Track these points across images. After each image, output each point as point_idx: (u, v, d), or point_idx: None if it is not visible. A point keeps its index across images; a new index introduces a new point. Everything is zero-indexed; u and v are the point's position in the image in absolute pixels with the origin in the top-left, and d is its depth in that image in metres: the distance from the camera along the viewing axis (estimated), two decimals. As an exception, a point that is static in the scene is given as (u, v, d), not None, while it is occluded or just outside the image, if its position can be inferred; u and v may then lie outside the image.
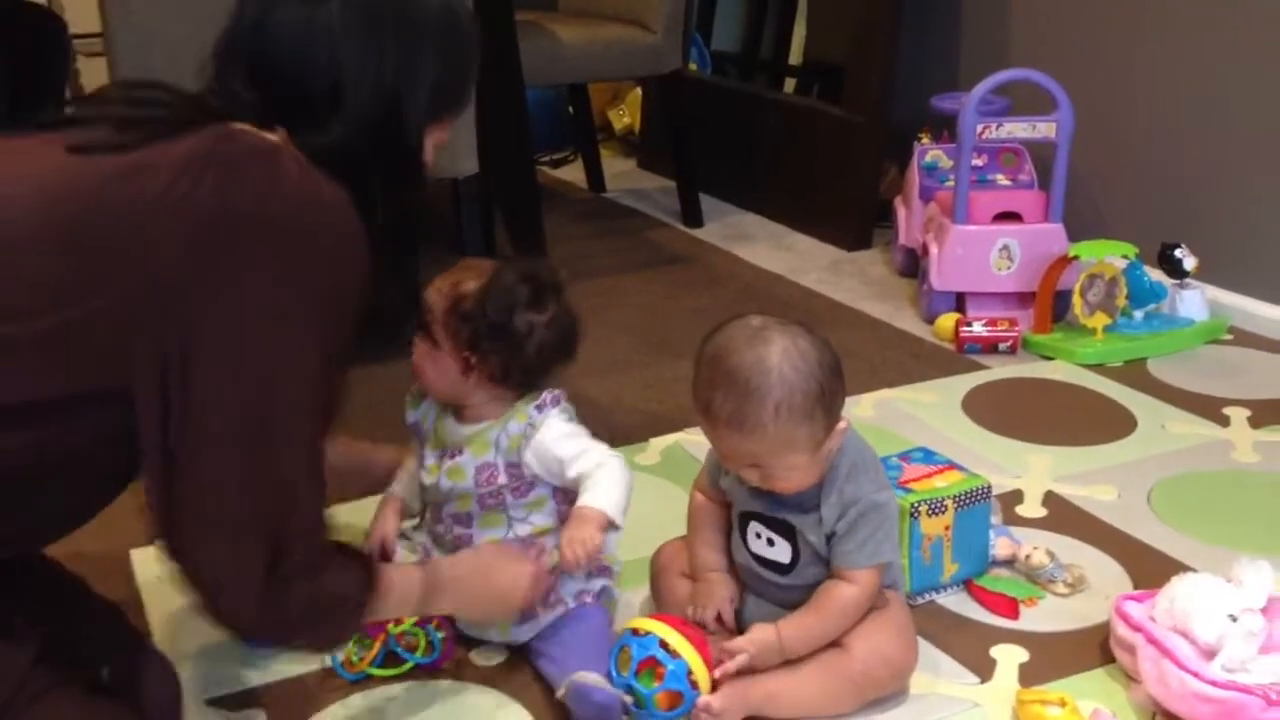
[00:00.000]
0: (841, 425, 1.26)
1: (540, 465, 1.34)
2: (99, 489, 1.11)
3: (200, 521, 1.04)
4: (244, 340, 1.02)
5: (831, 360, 1.25)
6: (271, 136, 1.07)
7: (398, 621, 1.32)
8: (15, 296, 0.98)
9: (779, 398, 1.20)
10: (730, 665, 1.25)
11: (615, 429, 1.97)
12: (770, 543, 1.32)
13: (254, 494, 1.03)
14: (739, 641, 1.27)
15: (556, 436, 1.34)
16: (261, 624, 1.10)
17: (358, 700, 1.32)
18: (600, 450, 1.35)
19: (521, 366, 1.33)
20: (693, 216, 3.10)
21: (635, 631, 1.25)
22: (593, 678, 1.23)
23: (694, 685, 1.23)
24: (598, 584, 1.39)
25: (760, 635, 1.27)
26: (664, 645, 1.23)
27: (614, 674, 1.24)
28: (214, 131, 1.04)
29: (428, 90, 1.12)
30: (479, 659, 1.39)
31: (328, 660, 1.34)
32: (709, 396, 1.23)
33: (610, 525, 1.31)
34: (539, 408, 1.35)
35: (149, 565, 1.57)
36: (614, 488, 1.33)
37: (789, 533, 1.30)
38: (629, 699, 1.23)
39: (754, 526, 1.33)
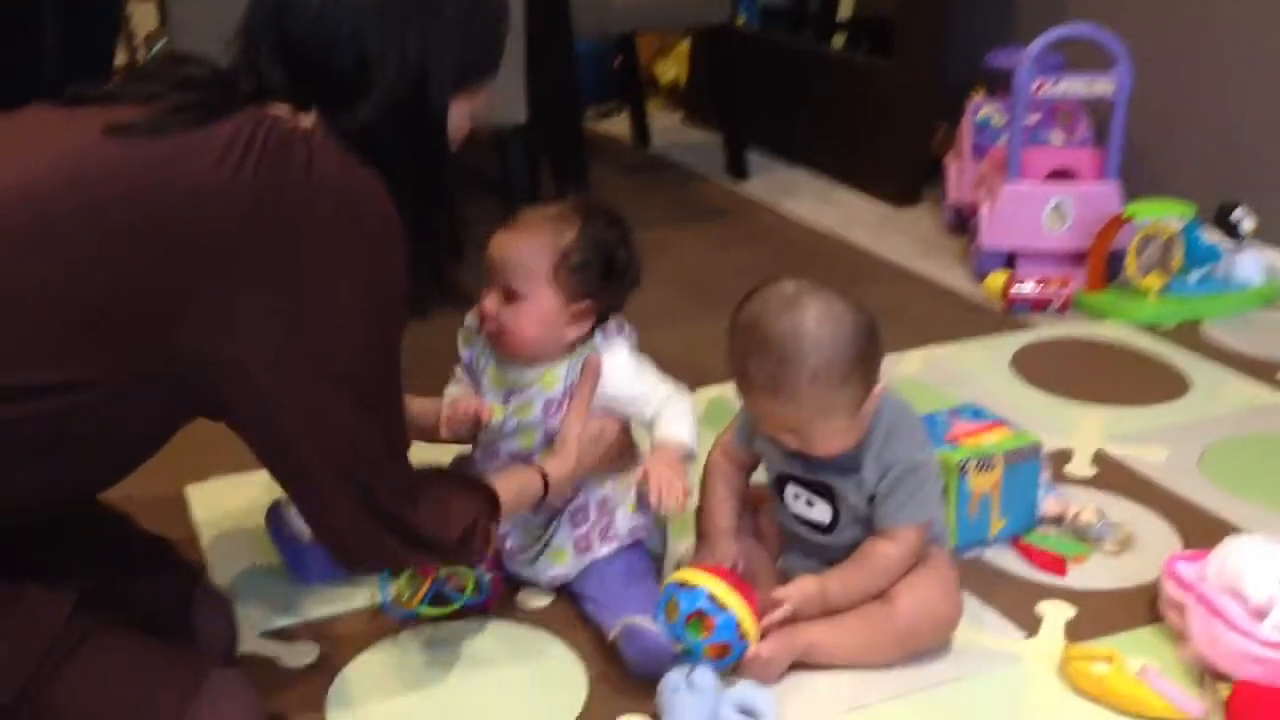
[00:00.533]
0: (877, 390, 1.25)
1: (603, 397, 1.37)
2: (147, 443, 1.13)
3: (309, 504, 1.12)
4: (297, 333, 1.02)
5: (867, 324, 1.24)
6: (305, 121, 1.07)
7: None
8: (47, 280, 0.98)
9: (815, 364, 1.20)
10: (775, 615, 1.25)
11: (662, 380, 1.98)
12: (809, 504, 1.32)
13: (350, 492, 1.09)
14: (782, 591, 1.28)
15: (623, 372, 1.37)
16: (397, 560, 1.24)
17: (407, 637, 1.34)
18: (666, 385, 1.40)
19: (622, 300, 1.39)
20: (739, 171, 3.08)
21: (682, 584, 1.26)
22: (645, 621, 1.24)
23: (742, 637, 1.23)
24: (645, 519, 1.41)
25: (804, 586, 1.28)
26: (712, 598, 1.23)
27: (662, 623, 1.25)
28: (251, 117, 1.03)
29: (454, 62, 1.12)
30: (527, 600, 1.41)
31: (378, 597, 1.36)
32: (744, 364, 1.23)
33: (690, 456, 1.35)
34: (604, 334, 1.39)
35: (205, 502, 1.60)
36: (686, 419, 1.37)
37: (828, 494, 1.30)
38: (678, 647, 1.24)
39: (791, 488, 1.33)
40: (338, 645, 1.32)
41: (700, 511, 1.39)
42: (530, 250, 1.33)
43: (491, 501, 1.24)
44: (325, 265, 1.03)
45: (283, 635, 1.35)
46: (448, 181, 1.17)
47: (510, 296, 1.33)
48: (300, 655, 1.31)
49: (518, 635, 1.35)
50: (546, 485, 1.32)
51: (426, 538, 1.14)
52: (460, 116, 1.16)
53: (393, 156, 1.09)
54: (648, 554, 1.41)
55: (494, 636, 1.35)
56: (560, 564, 1.38)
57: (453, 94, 1.13)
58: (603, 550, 1.37)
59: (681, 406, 1.39)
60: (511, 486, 1.29)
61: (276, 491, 1.48)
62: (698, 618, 1.23)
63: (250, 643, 1.33)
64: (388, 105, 1.08)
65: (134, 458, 1.12)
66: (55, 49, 2.27)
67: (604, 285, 1.35)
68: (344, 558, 1.16)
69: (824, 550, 1.33)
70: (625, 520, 1.38)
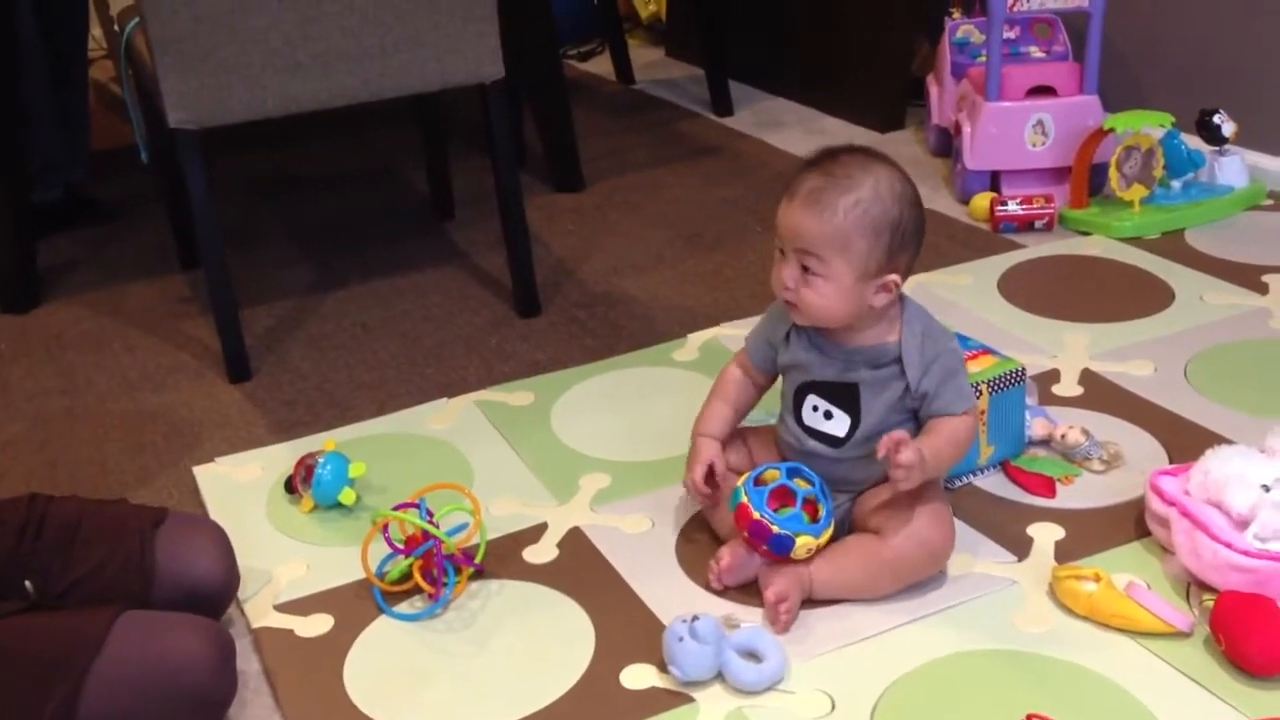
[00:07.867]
0: (893, 278, 1.29)
1: None
2: None
3: None
4: None
5: (918, 215, 1.30)
6: None
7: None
8: None
9: (863, 197, 1.26)
10: (900, 456, 1.24)
11: (654, 326, 2.00)
12: (828, 415, 1.35)
13: None
14: (908, 452, 1.25)
15: None
16: None
17: (419, 604, 1.37)
18: None
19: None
20: (723, 105, 3.07)
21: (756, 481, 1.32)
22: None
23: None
24: None
25: (911, 454, 1.26)
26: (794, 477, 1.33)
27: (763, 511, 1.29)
28: None
29: None
30: (531, 557, 1.44)
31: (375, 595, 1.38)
32: (801, 177, 1.29)
33: None
34: None
35: (211, 481, 1.63)
36: None
37: (851, 403, 1.33)
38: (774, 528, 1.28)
39: (811, 399, 1.36)
40: (350, 614, 1.36)
41: (699, 414, 1.45)
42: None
43: None
44: None
45: (296, 608, 1.39)
46: None
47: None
48: (315, 626, 1.35)
49: (523, 593, 1.39)
50: None
51: None
52: None
53: None
54: None
55: (500, 595, 1.38)
56: None
57: None
58: None
59: None
60: None
61: (280, 468, 1.52)
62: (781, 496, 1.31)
63: (266, 617, 1.37)
64: None
65: None
66: (26, 18, 2.29)
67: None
68: None
69: (830, 465, 1.35)
70: None
